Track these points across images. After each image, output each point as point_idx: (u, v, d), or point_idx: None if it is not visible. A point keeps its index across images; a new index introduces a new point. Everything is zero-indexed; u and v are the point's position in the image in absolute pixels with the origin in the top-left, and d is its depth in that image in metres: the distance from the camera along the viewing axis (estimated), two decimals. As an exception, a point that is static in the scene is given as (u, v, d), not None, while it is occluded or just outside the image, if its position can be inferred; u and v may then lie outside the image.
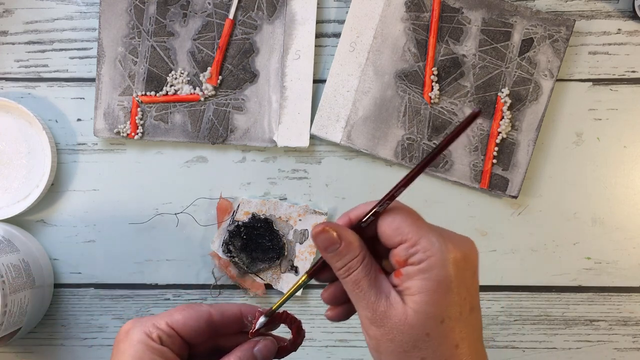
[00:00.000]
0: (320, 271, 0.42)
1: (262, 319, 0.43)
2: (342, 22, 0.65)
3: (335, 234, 0.38)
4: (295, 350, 0.44)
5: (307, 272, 0.42)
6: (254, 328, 0.43)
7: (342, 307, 0.43)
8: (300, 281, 0.42)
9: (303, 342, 0.63)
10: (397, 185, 0.38)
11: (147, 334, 0.40)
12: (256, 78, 0.64)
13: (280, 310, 0.43)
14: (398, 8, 0.64)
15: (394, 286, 0.38)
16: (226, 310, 0.42)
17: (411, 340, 0.37)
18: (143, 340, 0.40)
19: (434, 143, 0.64)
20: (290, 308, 0.66)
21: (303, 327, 0.45)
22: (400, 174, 0.65)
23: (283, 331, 0.45)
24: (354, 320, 0.67)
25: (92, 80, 0.65)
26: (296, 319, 0.44)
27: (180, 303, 0.66)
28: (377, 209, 0.39)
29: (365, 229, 0.39)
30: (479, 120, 0.64)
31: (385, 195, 0.39)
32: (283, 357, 0.44)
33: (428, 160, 0.37)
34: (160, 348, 0.40)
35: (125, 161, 0.65)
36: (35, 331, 0.65)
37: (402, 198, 0.66)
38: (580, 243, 0.66)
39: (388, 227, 0.38)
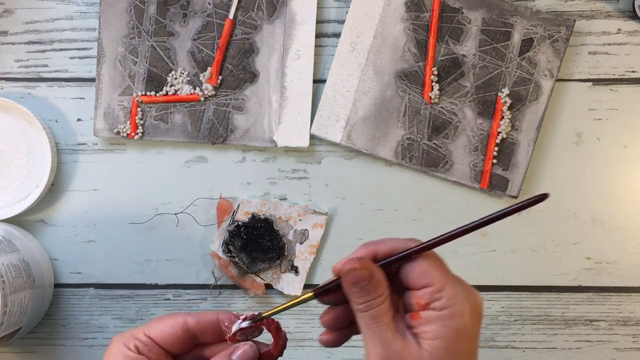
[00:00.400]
0: (328, 294, 0.42)
1: (238, 323, 0.42)
2: (342, 22, 0.65)
3: (367, 272, 0.39)
4: (280, 354, 0.43)
5: (313, 291, 0.42)
6: (231, 332, 0.42)
7: (338, 333, 0.43)
8: (303, 297, 0.42)
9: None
10: (440, 237, 0.40)
11: (125, 344, 0.41)
12: (256, 78, 0.64)
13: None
14: (398, 8, 0.64)
15: (408, 327, 0.39)
16: (202, 316, 0.42)
17: None
18: (120, 350, 0.41)
19: (434, 143, 0.64)
20: (290, 309, 0.65)
21: (282, 328, 0.44)
22: (400, 174, 0.65)
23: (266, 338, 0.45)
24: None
25: (92, 80, 0.65)
26: (274, 319, 0.43)
27: (181, 303, 0.66)
28: (412, 253, 0.39)
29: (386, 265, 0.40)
30: (479, 120, 0.64)
31: (424, 244, 0.39)
32: None
33: (483, 223, 0.39)
34: (137, 356, 0.41)
35: (125, 161, 0.65)
36: (35, 331, 0.65)
37: (403, 202, 0.66)
38: (580, 243, 0.66)
39: (417, 269, 0.39)
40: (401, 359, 0.37)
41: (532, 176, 0.65)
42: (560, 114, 0.65)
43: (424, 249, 0.40)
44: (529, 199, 0.38)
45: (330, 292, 0.41)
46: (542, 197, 0.37)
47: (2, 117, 0.64)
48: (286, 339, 0.44)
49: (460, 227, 0.40)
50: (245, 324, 0.42)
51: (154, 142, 0.65)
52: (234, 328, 0.42)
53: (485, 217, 0.39)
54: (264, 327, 0.43)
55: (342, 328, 0.43)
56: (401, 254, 0.40)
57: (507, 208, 0.39)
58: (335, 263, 0.66)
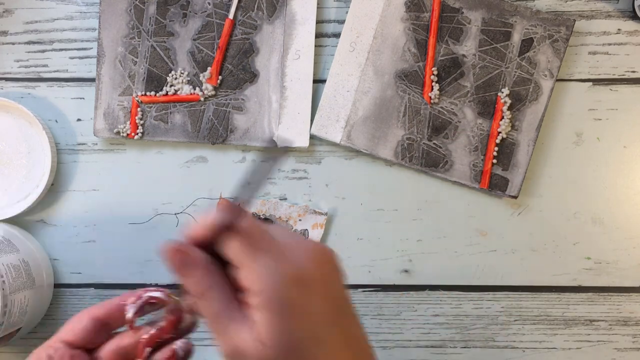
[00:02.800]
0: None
1: (128, 311, 0.40)
2: (342, 22, 0.65)
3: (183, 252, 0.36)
4: (172, 333, 0.40)
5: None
6: (129, 321, 0.41)
7: None
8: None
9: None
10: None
11: (37, 356, 0.41)
12: (256, 78, 0.64)
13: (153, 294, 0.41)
14: (398, 8, 0.64)
15: (248, 317, 0.35)
16: (107, 303, 0.41)
17: None
18: None
19: (434, 143, 0.64)
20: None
21: (183, 308, 0.41)
22: (400, 174, 0.65)
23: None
24: (354, 320, 0.67)
25: (92, 80, 0.65)
26: (169, 297, 0.41)
27: (180, 303, 0.66)
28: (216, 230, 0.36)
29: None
30: (479, 120, 0.64)
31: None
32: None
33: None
34: None
35: (125, 161, 0.65)
36: (35, 331, 0.65)
37: (403, 202, 0.66)
38: (580, 243, 0.66)
39: (228, 252, 0.36)
40: (246, 356, 0.34)
41: (532, 176, 0.65)
42: (560, 114, 0.65)
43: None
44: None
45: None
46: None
47: (2, 117, 0.64)
48: (181, 321, 0.41)
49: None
50: (132, 312, 0.40)
51: (154, 142, 0.65)
52: (128, 316, 0.41)
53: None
54: (159, 303, 0.41)
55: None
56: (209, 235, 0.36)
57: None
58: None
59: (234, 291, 0.36)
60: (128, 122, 0.64)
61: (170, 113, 0.64)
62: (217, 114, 0.64)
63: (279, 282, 0.35)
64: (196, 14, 0.64)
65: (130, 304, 0.41)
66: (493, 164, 0.64)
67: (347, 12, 0.64)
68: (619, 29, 0.65)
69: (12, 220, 0.64)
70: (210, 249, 0.37)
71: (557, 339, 0.66)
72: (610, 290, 0.66)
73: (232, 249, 0.35)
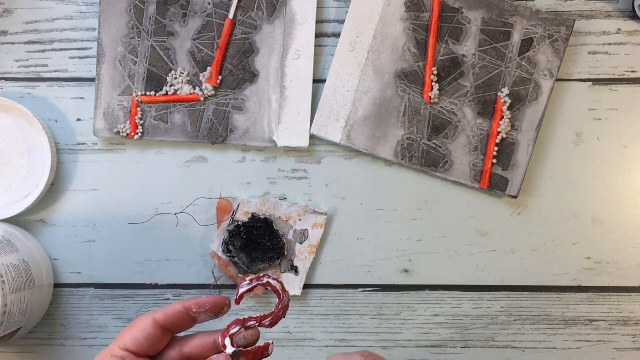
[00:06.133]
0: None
1: (243, 285, 0.44)
2: (342, 22, 0.65)
3: None
4: (284, 315, 0.45)
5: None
6: (237, 295, 0.44)
7: None
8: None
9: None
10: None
11: None
12: (256, 78, 0.64)
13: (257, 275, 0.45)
14: (398, 8, 0.64)
15: None
16: (169, 310, 0.44)
17: None
18: None
19: (434, 143, 0.64)
20: (291, 309, 0.66)
21: (286, 288, 0.45)
22: (400, 174, 0.65)
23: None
24: (354, 320, 0.67)
25: (92, 80, 0.65)
26: (277, 279, 0.45)
27: (180, 303, 0.66)
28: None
29: None
30: (479, 120, 0.64)
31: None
32: (275, 324, 0.45)
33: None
34: None
35: (125, 161, 0.65)
36: (35, 331, 0.65)
37: (403, 202, 0.66)
38: (580, 243, 0.66)
39: None
40: None
41: (532, 176, 0.65)
42: (560, 114, 0.65)
43: None
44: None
45: None
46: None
47: (2, 117, 0.64)
48: (289, 300, 0.45)
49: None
50: (245, 289, 0.44)
51: (154, 142, 0.65)
52: (240, 291, 0.44)
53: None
54: (269, 288, 0.45)
55: None
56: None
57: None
58: (335, 263, 0.66)
59: None
60: (128, 122, 0.64)
61: (170, 113, 0.64)
62: (217, 114, 0.64)
63: None
64: (196, 14, 0.64)
65: (247, 281, 0.45)
66: (493, 164, 0.64)
67: (347, 12, 0.64)
68: (619, 29, 0.65)
69: (12, 220, 0.64)
70: None
71: (557, 339, 0.66)
72: (610, 290, 0.66)
73: None
